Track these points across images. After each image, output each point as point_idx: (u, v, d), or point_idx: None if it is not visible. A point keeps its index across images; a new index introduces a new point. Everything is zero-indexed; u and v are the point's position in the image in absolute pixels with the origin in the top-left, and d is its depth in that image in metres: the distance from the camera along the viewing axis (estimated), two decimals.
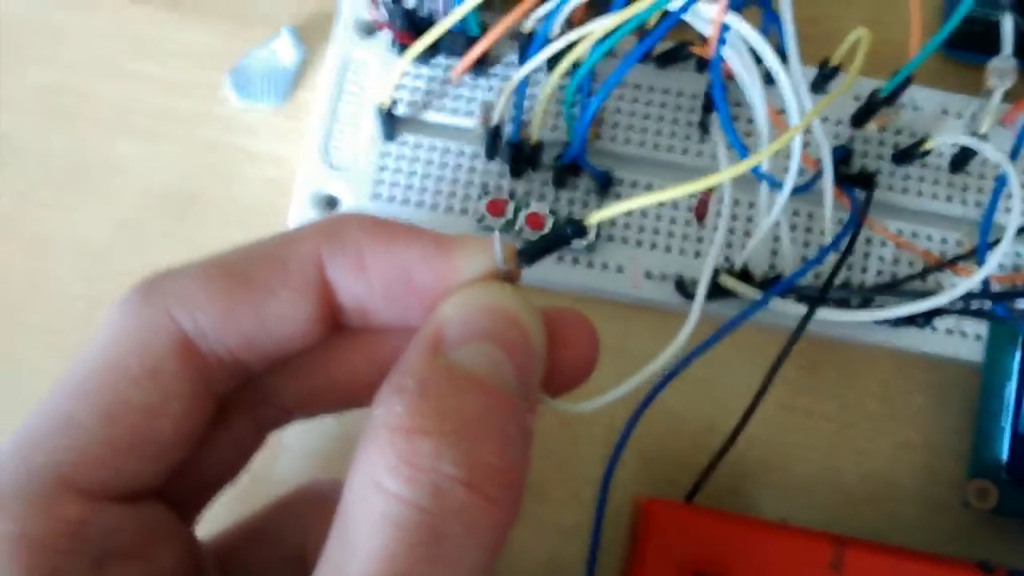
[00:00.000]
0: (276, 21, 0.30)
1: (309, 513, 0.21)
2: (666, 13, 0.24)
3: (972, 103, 0.28)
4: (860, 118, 0.28)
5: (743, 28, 0.23)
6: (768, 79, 0.27)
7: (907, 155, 0.27)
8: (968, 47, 0.29)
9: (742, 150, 0.24)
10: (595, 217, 0.18)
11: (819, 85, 0.28)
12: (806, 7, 0.30)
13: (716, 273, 0.26)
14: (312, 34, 0.30)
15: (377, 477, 0.15)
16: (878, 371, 0.28)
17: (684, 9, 0.23)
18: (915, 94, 0.28)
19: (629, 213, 0.28)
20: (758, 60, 0.27)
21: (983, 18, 0.28)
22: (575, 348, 0.19)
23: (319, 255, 0.18)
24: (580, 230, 0.18)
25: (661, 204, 0.28)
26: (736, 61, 0.24)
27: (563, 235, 0.18)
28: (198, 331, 0.17)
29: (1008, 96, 0.27)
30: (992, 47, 0.26)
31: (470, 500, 0.15)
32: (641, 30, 0.26)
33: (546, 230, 0.27)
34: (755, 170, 0.24)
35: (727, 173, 0.19)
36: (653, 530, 0.24)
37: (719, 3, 0.23)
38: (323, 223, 0.18)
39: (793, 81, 0.24)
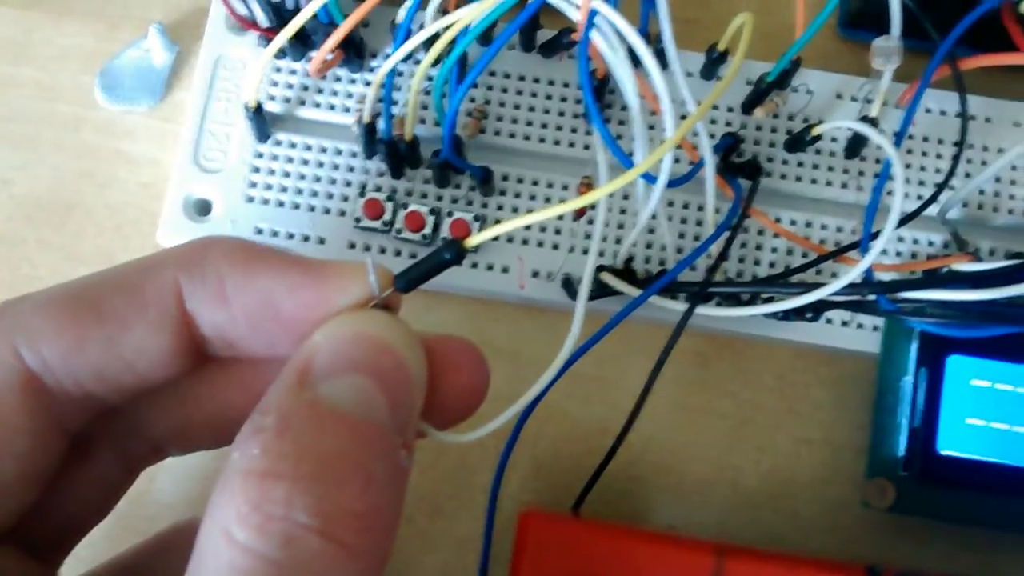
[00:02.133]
0: (149, 20, 0.29)
1: (185, 553, 0.20)
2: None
3: (867, 85, 0.27)
4: (751, 104, 0.27)
5: (610, 14, 0.22)
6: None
7: (798, 141, 0.26)
8: (864, 26, 0.28)
9: (615, 149, 0.23)
10: (475, 240, 0.17)
11: (708, 71, 0.27)
12: None
13: (601, 270, 0.25)
14: (186, 32, 0.29)
15: (227, 525, 0.14)
16: (775, 365, 0.27)
17: (537, 5, 0.22)
18: (809, 77, 0.27)
19: (514, 209, 0.27)
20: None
21: None
22: (462, 377, 0.18)
23: (178, 285, 0.17)
24: (459, 253, 0.17)
25: (547, 200, 0.27)
26: (606, 49, 0.23)
27: (441, 260, 0.17)
28: (43, 365, 0.16)
29: (905, 76, 0.26)
30: (888, 26, 0.25)
31: (324, 549, 0.14)
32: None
33: (426, 231, 0.26)
34: (627, 163, 0.23)
35: (603, 190, 0.18)
36: (530, 544, 0.23)
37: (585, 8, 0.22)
38: (183, 250, 0.17)
39: (670, 71, 0.23)
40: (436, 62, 0.24)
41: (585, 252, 0.27)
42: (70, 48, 0.29)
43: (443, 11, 0.25)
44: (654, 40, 0.25)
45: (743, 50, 0.24)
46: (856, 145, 0.26)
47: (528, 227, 0.27)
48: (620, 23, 0.22)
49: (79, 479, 0.18)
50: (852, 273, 0.22)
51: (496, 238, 0.27)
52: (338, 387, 0.16)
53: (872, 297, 0.23)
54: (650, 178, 0.23)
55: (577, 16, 0.23)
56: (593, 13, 0.23)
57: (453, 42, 0.24)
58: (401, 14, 0.25)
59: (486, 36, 0.27)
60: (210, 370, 0.18)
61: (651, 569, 0.22)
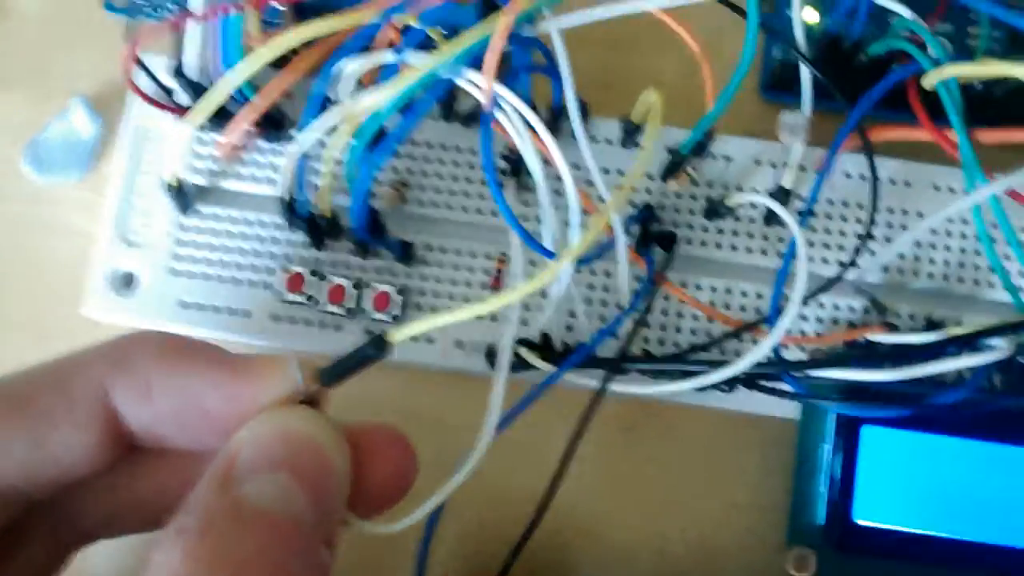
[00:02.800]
0: (75, 90, 0.29)
1: None
2: (437, 81, 0.23)
3: (784, 151, 0.27)
4: (669, 172, 0.27)
5: (511, 99, 0.23)
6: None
7: (715, 210, 0.26)
8: (786, 90, 0.28)
9: (519, 230, 0.23)
10: (400, 334, 0.18)
11: (626, 141, 0.27)
12: (618, 56, 0.29)
13: (521, 343, 0.25)
14: (114, 101, 0.29)
15: None
16: (701, 430, 0.27)
17: (450, 80, 0.23)
18: (728, 144, 0.28)
19: (437, 280, 0.27)
20: (557, 117, 0.26)
21: (797, 61, 0.27)
22: (389, 466, 0.18)
23: (104, 383, 0.17)
24: (383, 348, 0.18)
25: (470, 271, 0.27)
26: (510, 127, 0.23)
27: (366, 355, 0.18)
28: None
29: (824, 139, 0.26)
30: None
31: None
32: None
33: (350, 303, 0.26)
34: (537, 247, 0.23)
35: (517, 293, 0.19)
36: None
37: (486, 75, 0.22)
38: (111, 347, 0.18)
39: (578, 144, 0.24)
40: (354, 136, 0.25)
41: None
42: None
43: (361, 85, 0.26)
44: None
45: (653, 134, 0.24)
46: (774, 212, 0.27)
47: (451, 297, 0.27)
48: (520, 107, 0.22)
49: (11, 568, 0.18)
50: (756, 352, 0.22)
51: (420, 300, 0.27)
52: (260, 485, 0.16)
53: (778, 375, 0.23)
54: (550, 254, 0.23)
55: (483, 98, 0.23)
56: (495, 96, 0.23)
57: (367, 119, 0.24)
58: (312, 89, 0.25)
59: (407, 107, 0.27)
60: (138, 459, 0.18)
61: None
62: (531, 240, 0.23)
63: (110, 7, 0.30)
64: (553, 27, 0.23)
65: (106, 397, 0.17)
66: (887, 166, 0.27)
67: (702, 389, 0.25)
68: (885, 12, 0.24)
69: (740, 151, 0.28)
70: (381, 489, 0.18)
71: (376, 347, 0.18)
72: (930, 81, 0.23)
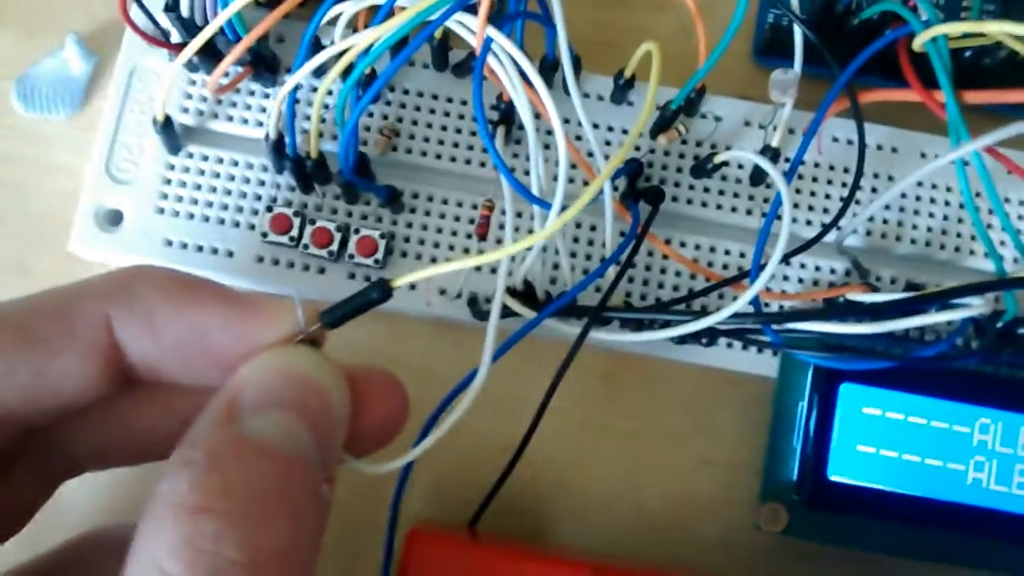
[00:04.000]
0: (68, 28, 0.29)
1: (98, 562, 0.20)
2: (427, 23, 0.23)
3: (773, 112, 0.27)
4: (658, 129, 0.27)
5: (503, 41, 0.23)
6: (567, 90, 0.26)
7: (702, 168, 0.26)
8: (777, 54, 0.28)
9: (509, 177, 0.23)
10: (402, 280, 0.18)
11: (617, 96, 0.27)
12: (611, 14, 0.29)
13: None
14: (107, 40, 0.29)
15: (158, 558, 0.15)
16: (680, 386, 0.27)
17: (440, 21, 0.23)
18: (717, 104, 0.28)
19: (424, 227, 0.27)
20: (549, 70, 0.26)
21: (790, 26, 0.27)
22: (382, 409, 0.18)
23: (107, 314, 0.17)
24: (386, 292, 0.18)
25: (456, 219, 0.27)
26: (502, 74, 0.23)
27: (369, 299, 0.18)
28: None
29: (813, 104, 0.26)
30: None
31: None
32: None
33: (333, 247, 0.26)
34: (525, 193, 0.23)
35: (507, 251, 0.20)
36: (414, 561, 0.23)
37: (480, 16, 0.23)
38: (114, 278, 0.18)
39: (571, 95, 0.24)
40: (342, 78, 0.25)
41: (493, 271, 0.27)
42: None
43: (353, 29, 0.26)
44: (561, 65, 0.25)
45: (655, 85, 0.24)
46: (760, 172, 0.27)
47: (436, 245, 0.27)
48: (512, 50, 0.23)
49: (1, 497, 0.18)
50: (738, 303, 0.22)
51: (405, 247, 0.27)
52: (264, 422, 0.16)
53: (758, 327, 0.23)
54: (545, 204, 0.23)
55: (474, 42, 0.23)
56: (488, 40, 0.23)
57: (356, 60, 0.24)
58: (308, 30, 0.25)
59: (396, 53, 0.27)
60: (133, 393, 0.18)
61: None
62: (523, 189, 0.23)
63: None
64: None
65: (108, 328, 0.17)
66: (875, 132, 0.28)
67: (682, 339, 0.25)
68: None
69: (730, 111, 0.28)
70: (373, 430, 0.18)
71: (379, 291, 0.18)
72: (920, 41, 0.23)
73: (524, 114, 0.23)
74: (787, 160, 0.27)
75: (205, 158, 0.27)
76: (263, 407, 0.16)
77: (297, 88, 0.24)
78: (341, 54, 0.24)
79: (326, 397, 0.17)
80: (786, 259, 0.25)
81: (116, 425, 0.19)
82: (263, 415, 0.16)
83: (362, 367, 0.18)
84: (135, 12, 0.27)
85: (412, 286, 0.27)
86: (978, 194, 0.26)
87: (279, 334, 0.17)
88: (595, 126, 0.27)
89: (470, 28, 0.23)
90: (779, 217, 0.23)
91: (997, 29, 0.21)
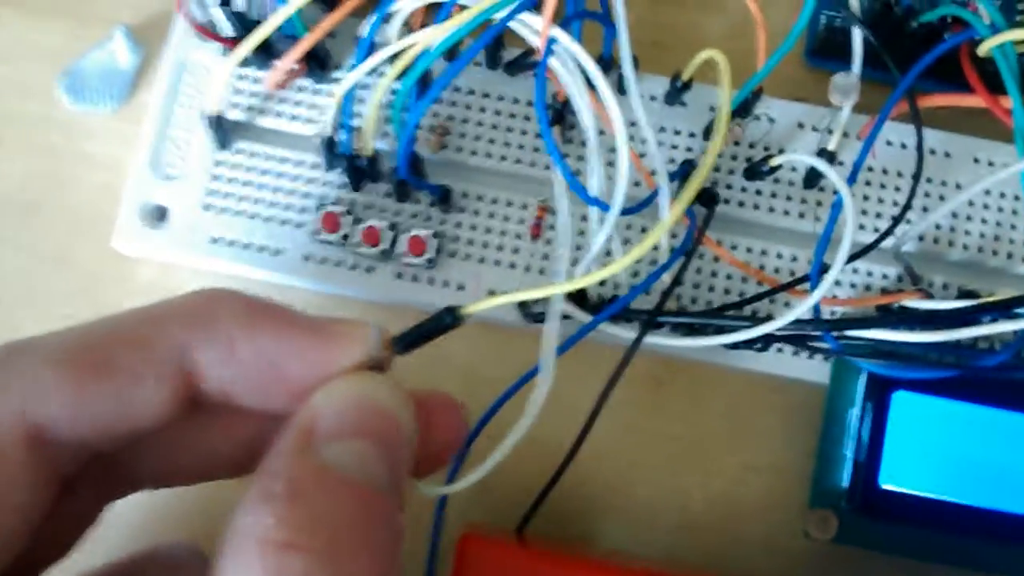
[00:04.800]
0: (116, 20, 0.29)
1: None
2: (489, 23, 0.23)
3: (828, 116, 0.27)
4: (712, 131, 0.27)
5: (568, 43, 0.22)
6: (621, 89, 0.26)
7: (756, 171, 0.26)
8: (830, 56, 0.28)
9: (570, 177, 0.23)
10: (473, 308, 0.18)
11: (672, 97, 0.27)
12: (664, 14, 0.29)
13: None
14: (154, 33, 0.29)
15: None
16: (727, 391, 0.27)
17: (506, 21, 0.22)
18: (772, 106, 0.27)
19: (473, 227, 0.27)
20: (605, 69, 0.26)
21: (844, 27, 0.27)
22: (443, 434, 0.19)
23: (187, 340, 0.17)
24: (458, 319, 0.18)
25: (506, 219, 0.27)
26: (564, 74, 0.23)
27: (441, 324, 0.18)
28: (51, 421, 0.16)
29: (869, 107, 0.26)
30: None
31: None
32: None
33: (384, 245, 0.26)
34: (583, 194, 0.23)
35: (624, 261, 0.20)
36: (467, 568, 0.23)
37: (545, 16, 0.22)
38: (195, 304, 0.18)
39: (629, 96, 0.24)
40: (399, 77, 0.24)
41: (542, 272, 0.27)
42: (36, 46, 0.29)
43: (408, 28, 0.25)
44: (617, 64, 0.25)
45: (727, 102, 0.23)
46: (814, 176, 0.27)
47: (485, 245, 0.27)
48: (577, 51, 0.22)
49: (59, 518, 0.18)
50: (798, 309, 0.22)
51: (455, 247, 0.27)
52: (343, 452, 0.16)
53: (818, 334, 0.23)
54: (604, 206, 0.23)
55: (537, 42, 0.23)
56: (551, 40, 0.23)
57: (416, 60, 0.24)
58: (364, 28, 0.25)
59: (451, 53, 0.27)
60: (199, 416, 0.18)
61: None
62: (583, 191, 0.23)
63: None
64: None
65: (186, 354, 0.17)
66: (928, 136, 0.27)
67: (736, 345, 0.25)
68: None
69: (783, 113, 0.27)
70: (433, 455, 0.19)
71: (451, 316, 0.18)
72: (987, 47, 0.23)
73: (586, 118, 0.23)
74: (841, 163, 0.27)
75: (254, 155, 0.27)
76: (340, 436, 0.16)
77: (353, 88, 0.24)
78: (398, 53, 0.24)
79: (399, 426, 0.17)
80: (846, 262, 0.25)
81: (180, 448, 0.19)
82: (340, 444, 0.16)
83: (424, 391, 0.19)
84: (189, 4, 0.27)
85: (461, 287, 0.27)
86: None
87: (352, 360, 0.17)
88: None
89: (533, 28, 0.23)
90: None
91: None
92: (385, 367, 0.18)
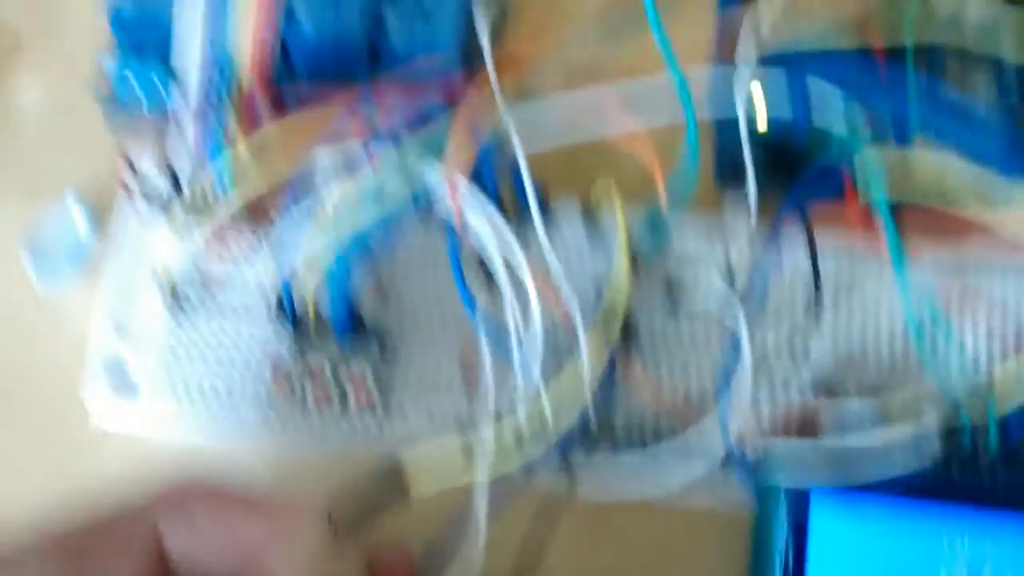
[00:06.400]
0: (68, 184, 0.31)
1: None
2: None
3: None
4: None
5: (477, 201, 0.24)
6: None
7: (672, 294, 0.28)
8: (737, 176, 0.30)
9: (490, 336, 0.25)
10: (420, 488, 0.22)
11: (587, 224, 0.29)
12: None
13: None
14: (105, 195, 0.31)
15: None
16: (655, 526, 0.28)
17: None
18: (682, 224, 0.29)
19: (416, 368, 0.29)
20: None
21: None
22: None
23: (159, 526, 0.20)
24: (404, 493, 0.22)
25: (445, 357, 0.29)
26: (479, 225, 0.25)
27: (385, 500, 0.22)
28: None
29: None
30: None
31: None
32: None
33: (334, 400, 0.28)
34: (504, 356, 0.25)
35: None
36: None
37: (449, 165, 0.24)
38: (167, 492, 0.20)
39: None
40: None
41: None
42: None
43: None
44: None
45: (623, 236, 0.25)
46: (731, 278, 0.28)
47: (433, 386, 0.28)
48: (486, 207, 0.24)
49: None
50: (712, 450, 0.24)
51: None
52: None
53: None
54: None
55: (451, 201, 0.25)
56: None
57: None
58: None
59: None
60: None
61: None
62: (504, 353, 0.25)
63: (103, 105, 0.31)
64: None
65: (160, 539, 0.20)
66: (827, 237, 0.29)
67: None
68: None
69: (693, 229, 0.29)
70: None
71: (397, 494, 0.22)
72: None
73: (498, 270, 0.25)
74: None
75: (204, 305, 0.29)
76: None
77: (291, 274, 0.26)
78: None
79: None
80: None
81: None
82: None
83: (379, 548, 0.21)
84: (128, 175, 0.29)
85: (411, 431, 0.28)
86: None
87: (306, 536, 0.20)
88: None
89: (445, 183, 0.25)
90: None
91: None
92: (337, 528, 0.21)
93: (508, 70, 0.27)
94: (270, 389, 0.28)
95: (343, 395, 0.28)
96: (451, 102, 0.27)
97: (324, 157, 0.27)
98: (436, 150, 0.26)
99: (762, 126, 0.27)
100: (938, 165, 0.25)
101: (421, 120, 0.27)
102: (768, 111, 0.29)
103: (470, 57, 0.30)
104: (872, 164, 0.25)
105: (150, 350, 0.29)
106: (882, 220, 0.24)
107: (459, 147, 0.24)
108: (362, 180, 0.25)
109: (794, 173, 0.28)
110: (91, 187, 0.31)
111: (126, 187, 0.28)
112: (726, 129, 0.30)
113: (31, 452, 0.30)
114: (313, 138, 0.27)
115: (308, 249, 0.26)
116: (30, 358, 0.30)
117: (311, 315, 0.28)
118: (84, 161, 0.31)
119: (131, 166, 0.28)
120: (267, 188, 0.29)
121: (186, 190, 0.28)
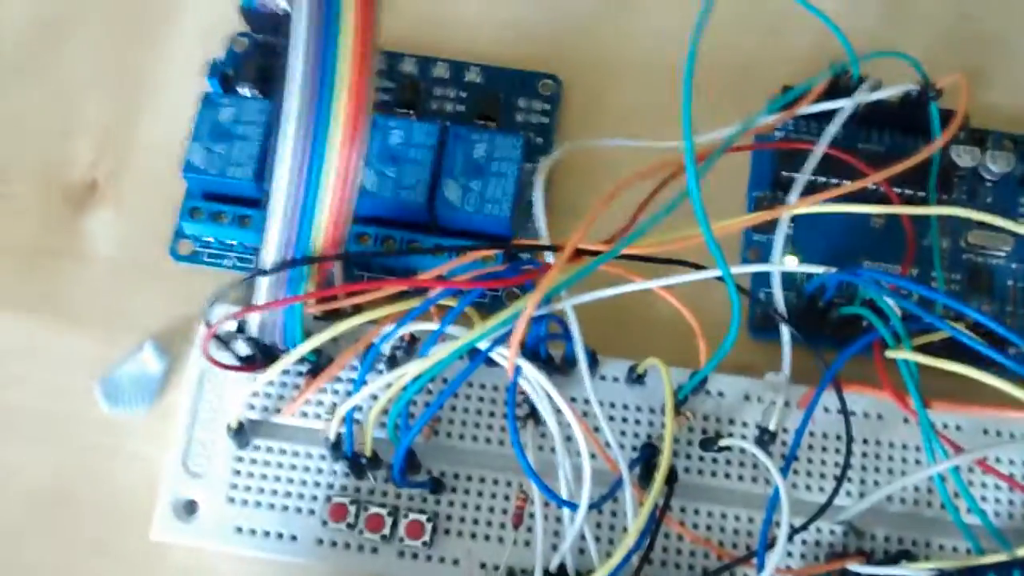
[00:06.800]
0: (146, 326, 0.33)
1: None
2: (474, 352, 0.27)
3: (770, 392, 0.31)
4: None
5: (531, 373, 0.26)
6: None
7: (708, 446, 0.30)
8: (772, 328, 0.32)
9: (541, 486, 0.26)
10: None
11: (630, 381, 0.31)
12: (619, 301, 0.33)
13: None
14: (180, 338, 0.33)
15: None
16: None
17: (483, 356, 0.26)
18: (720, 382, 0.31)
19: (464, 506, 0.30)
20: (570, 362, 0.30)
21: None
22: None
23: None
24: None
25: (493, 497, 0.30)
26: (530, 390, 0.27)
27: None
28: None
29: (807, 376, 0.30)
30: (790, 326, 0.29)
31: None
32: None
33: (385, 531, 0.30)
34: (553, 497, 0.27)
35: None
36: None
37: (511, 348, 0.26)
38: None
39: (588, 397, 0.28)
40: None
41: (527, 544, 0.30)
42: (72, 353, 0.33)
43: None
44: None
45: (671, 403, 0.27)
46: (766, 440, 0.30)
47: (476, 521, 0.30)
48: (540, 379, 0.26)
49: None
50: None
51: (448, 525, 0.30)
52: None
53: None
54: (572, 506, 0.27)
55: (508, 368, 0.27)
56: (518, 369, 0.27)
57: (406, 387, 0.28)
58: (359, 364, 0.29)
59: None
60: None
61: None
62: (551, 493, 0.27)
63: (175, 255, 0.34)
64: (568, 305, 0.28)
65: None
66: (860, 401, 0.31)
67: None
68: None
69: (731, 388, 0.31)
70: None
71: None
72: (891, 355, 0.26)
73: (552, 427, 0.27)
74: (786, 430, 0.30)
75: (270, 450, 0.31)
76: None
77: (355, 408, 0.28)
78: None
79: None
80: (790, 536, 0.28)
81: None
82: None
83: None
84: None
85: (456, 562, 0.30)
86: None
87: None
88: (612, 405, 0.31)
89: (503, 355, 0.27)
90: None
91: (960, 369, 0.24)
92: None
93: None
94: (325, 515, 0.30)
95: (394, 524, 0.30)
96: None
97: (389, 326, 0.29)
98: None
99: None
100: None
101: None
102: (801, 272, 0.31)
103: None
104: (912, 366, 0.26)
105: (214, 478, 0.31)
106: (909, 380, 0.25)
107: (518, 333, 0.26)
108: (430, 359, 0.27)
109: (824, 320, 0.30)
110: (164, 327, 0.33)
111: (205, 347, 0.30)
112: (759, 283, 0.32)
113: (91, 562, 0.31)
114: (379, 303, 0.29)
115: (373, 412, 0.28)
116: (96, 477, 0.32)
117: (368, 455, 0.29)
118: (160, 305, 0.34)
119: (208, 323, 0.30)
120: (336, 347, 0.32)
121: (259, 346, 0.30)
